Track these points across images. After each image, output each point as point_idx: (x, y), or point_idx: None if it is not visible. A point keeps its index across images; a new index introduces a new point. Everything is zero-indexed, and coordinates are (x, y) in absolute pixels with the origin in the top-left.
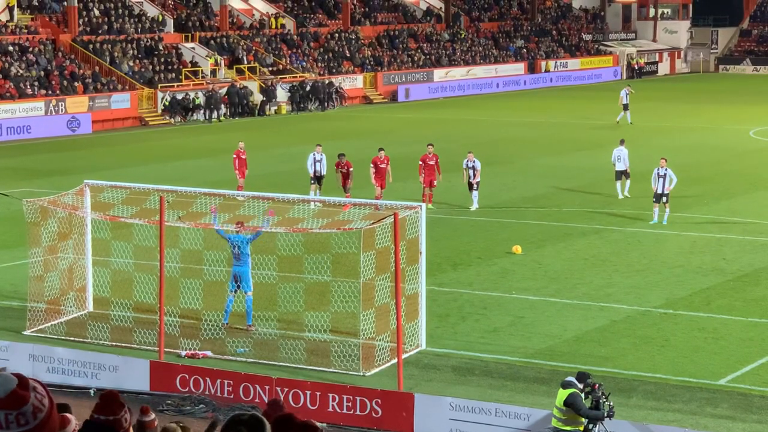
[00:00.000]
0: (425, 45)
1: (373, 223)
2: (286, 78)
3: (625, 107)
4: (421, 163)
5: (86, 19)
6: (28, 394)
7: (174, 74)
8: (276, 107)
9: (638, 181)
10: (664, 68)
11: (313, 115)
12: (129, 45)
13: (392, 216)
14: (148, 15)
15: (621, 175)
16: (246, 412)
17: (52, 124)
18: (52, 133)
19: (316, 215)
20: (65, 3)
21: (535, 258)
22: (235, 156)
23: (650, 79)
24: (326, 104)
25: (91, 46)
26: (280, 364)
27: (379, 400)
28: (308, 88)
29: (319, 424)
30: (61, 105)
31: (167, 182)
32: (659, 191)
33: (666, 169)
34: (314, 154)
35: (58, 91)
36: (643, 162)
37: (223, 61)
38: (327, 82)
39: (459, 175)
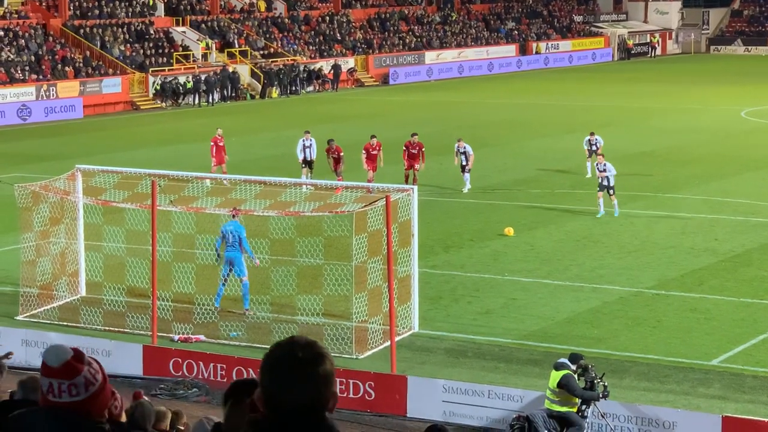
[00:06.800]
0: (416, 27)
1: (365, 206)
2: (277, 61)
3: None
4: (404, 148)
5: (77, 3)
6: (82, 366)
7: (165, 58)
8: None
9: (630, 164)
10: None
11: (303, 98)
12: (120, 29)
13: (384, 199)
14: None
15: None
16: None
17: (43, 109)
18: (44, 119)
19: (308, 198)
20: None
21: (527, 240)
22: (212, 143)
23: (642, 60)
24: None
25: (81, 30)
26: None
27: (372, 383)
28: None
29: None
30: (53, 90)
31: (159, 166)
32: (605, 183)
33: (605, 164)
34: (303, 140)
35: (49, 76)
36: (635, 143)
37: (214, 45)
38: (333, 64)
39: (450, 157)
